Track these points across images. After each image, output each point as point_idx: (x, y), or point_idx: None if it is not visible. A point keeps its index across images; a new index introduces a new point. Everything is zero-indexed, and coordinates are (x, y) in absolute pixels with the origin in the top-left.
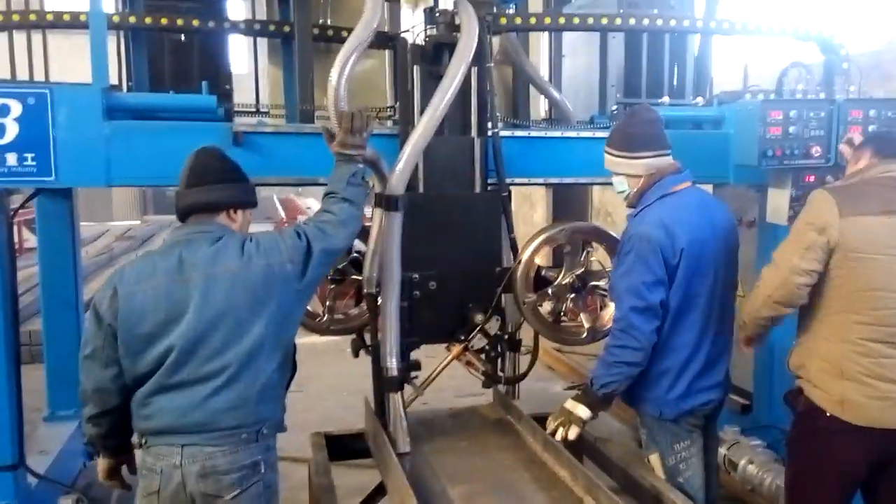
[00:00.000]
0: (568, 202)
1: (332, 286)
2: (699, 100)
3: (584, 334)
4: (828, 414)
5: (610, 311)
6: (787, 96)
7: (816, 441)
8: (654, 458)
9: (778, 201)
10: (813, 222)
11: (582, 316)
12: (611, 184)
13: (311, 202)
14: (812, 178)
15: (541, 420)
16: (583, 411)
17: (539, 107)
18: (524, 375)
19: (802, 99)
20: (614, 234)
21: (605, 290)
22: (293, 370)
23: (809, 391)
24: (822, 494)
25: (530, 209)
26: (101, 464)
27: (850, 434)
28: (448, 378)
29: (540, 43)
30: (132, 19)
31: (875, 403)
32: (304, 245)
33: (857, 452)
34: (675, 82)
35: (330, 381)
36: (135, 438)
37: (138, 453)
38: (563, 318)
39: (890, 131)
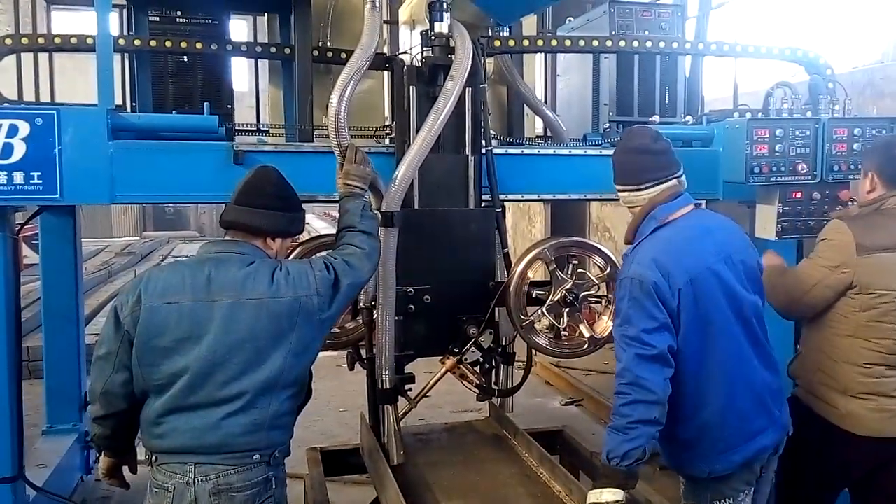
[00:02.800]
0: (566, 218)
1: None
2: (689, 118)
3: (586, 344)
4: (828, 422)
5: (607, 318)
6: (774, 115)
7: (815, 447)
8: None
9: (766, 217)
10: (829, 258)
11: (581, 327)
12: (614, 199)
13: (310, 218)
14: (799, 195)
15: (537, 436)
16: (611, 495)
17: (536, 124)
18: (518, 388)
19: (788, 118)
20: (596, 244)
21: (598, 297)
22: (307, 397)
23: (809, 401)
24: (815, 495)
25: (529, 224)
26: (103, 462)
27: (849, 443)
28: (445, 394)
29: (535, 62)
30: (137, 42)
31: (875, 415)
32: (332, 278)
33: (854, 459)
34: (666, 101)
35: (327, 397)
36: (143, 455)
37: (148, 470)
38: (564, 333)
39: (891, 152)
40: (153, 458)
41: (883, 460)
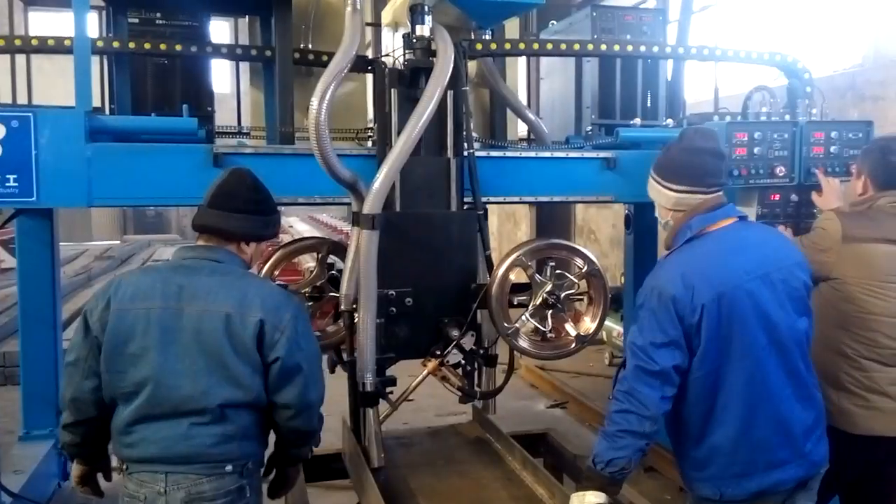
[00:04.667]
0: (551, 220)
1: (310, 304)
2: (669, 121)
3: (573, 343)
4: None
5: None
6: (752, 118)
7: None
8: None
9: None
10: (818, 242)
11: (566, 327)
12: (595, 201)
13: (293, 221)
14: (777, 197)
15: (520, 439)
16: (594, 497)
17: (520, 127)
18: (500, 390)
19: (766, 121)
20: (571, 244)
21: (580, 296)
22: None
23: None
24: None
25: (514, 227)
26: (75, 470)
27: (844, 441)
28: (428, 397)
29: (518, 65)
30: (116, 44)
31: (867, 413)
32: (292, 365)
33: (849, 458)
34: (648, 104)
35: None
36: (116, 461)
37: (119, 478)
38: (550, 335)
39: (887, 158)
40: (124, 466)
41: (875, 460)
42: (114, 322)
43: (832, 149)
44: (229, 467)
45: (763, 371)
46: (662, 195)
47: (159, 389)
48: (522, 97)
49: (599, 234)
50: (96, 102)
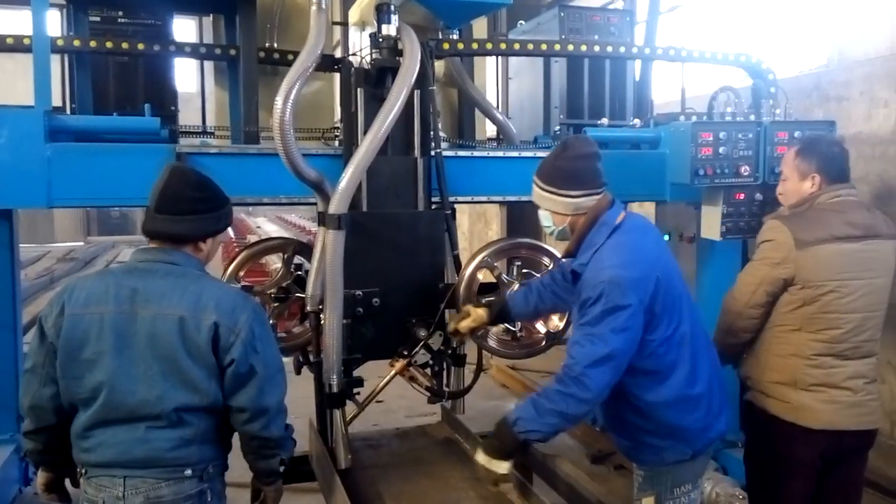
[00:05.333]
0: (523, 220)
1: (276, 304)
2: (636, 121)
3: (543, 341)
4: (785, 421)
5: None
6: (718, 119)
7: (776, 448)
8: (649, 502)
9: (711, 217)
10: (771, 256)
11: (536, 325)
12: None
13: (260, 221)
14: (742, 196)
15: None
16: (498, 467)
17: (488, 127)
18: (468, 390)
19: (731, 121)
20: (535, 242)
21: None
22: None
23: (763, 401)
24: (788, 495)
25: (485, 227)
26: (40, 477)
27: (806, 437)
28: (398, 398)
29: (487, 65)
30: (76, 43)
31: (827, 407)
32: (246, 368)
33: (813, 453)
34: (616, 104)
35: None
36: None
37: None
38: (521, 335)
39: (832, 151)
40: (83, 471)
41: (839, 455)
42: (68, 327)
43: (797, 133)
44: (188, 471)
45: (701, 327)
46: (560, 203)
47: (114, 394)
48: (491, 97)
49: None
50: (57, 102)
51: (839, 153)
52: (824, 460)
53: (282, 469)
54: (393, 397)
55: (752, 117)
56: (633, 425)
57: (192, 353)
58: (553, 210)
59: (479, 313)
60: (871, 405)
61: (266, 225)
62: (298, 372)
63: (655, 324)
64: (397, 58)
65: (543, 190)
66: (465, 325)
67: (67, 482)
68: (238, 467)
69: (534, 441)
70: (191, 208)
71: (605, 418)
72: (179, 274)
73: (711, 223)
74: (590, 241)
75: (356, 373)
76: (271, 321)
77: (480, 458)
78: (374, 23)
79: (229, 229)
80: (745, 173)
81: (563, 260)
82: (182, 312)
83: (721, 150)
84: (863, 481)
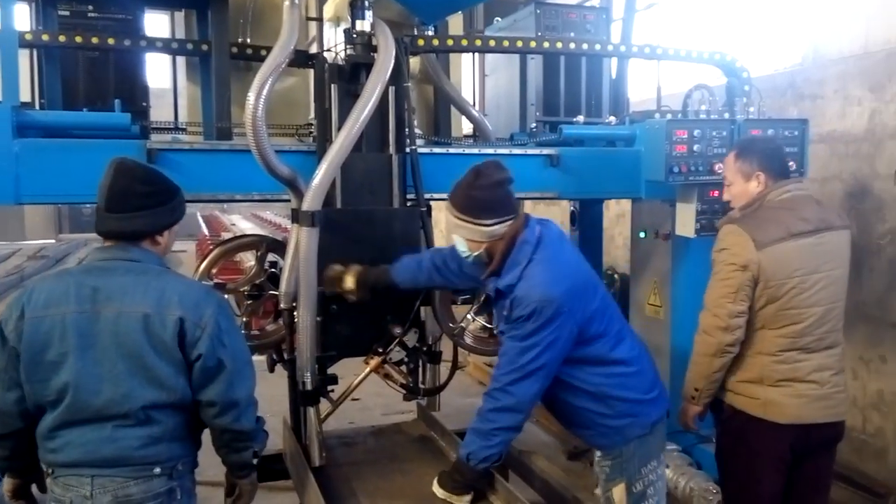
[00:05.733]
0: None
1: (249, 302)
2: (612, 119)
3: None
4: (753, 416)
5: None
6: (692, 116)
7: (746, 443)
8: (619, 490)
9: (685, 215)
10: (735, 262)
11: None
12: (539, 198)
13: (235, 219)
14: (716, 193)
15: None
16: (458, 501)
17: (465, 124)
18: (443, 387)
19: (706, 119)
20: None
21: None
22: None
23: (731, 399)
24: (760, 489)
25: None
26: (7, 484)
27: (775, 432)
28: (375, 395)
29: (463, 62)
30: (45, 37)
31: (794, 401)
32: (214, 362)
33: (783, 447)
34: (592, 102)
35: None
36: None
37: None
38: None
39: (770, 147)
40: (50, 471)
41: (808, 448)
42: (29, 331)
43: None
44: (157, 469)
45: (613, 303)
46: (476, 232)
47: (80, 395)
48: (467, 94)
49: None
50: (25, 97)
51: (777, 149)
52: (794, 454)
53: (255, 461)
54: (369, 395)
55: (727, 115)
56: (589, 412)
57: (158, 349)
58: (468, 238)
59: (355, 269)
60: (837, 397)
61: (241, 222)
62: (272, 370)
63: (590, 318)
64: (372, 54)
65: (458, 218)
66: (349, 282)
67: (34, 488)
68: (211, 466)
69: (493, 465)
70: (141, 204)
71: (558, 418)
72: (140, 271)
73: (686, 220)
74: (513, 260)
75: (332, 370)
76: (244, 319)
77: (439, 492)
78: (349, 18)
79: (203, 226)
80: (720, 171)
81: (483, 278)
82: (146, 309)
83: (695, 147)
84: (832, 473)
